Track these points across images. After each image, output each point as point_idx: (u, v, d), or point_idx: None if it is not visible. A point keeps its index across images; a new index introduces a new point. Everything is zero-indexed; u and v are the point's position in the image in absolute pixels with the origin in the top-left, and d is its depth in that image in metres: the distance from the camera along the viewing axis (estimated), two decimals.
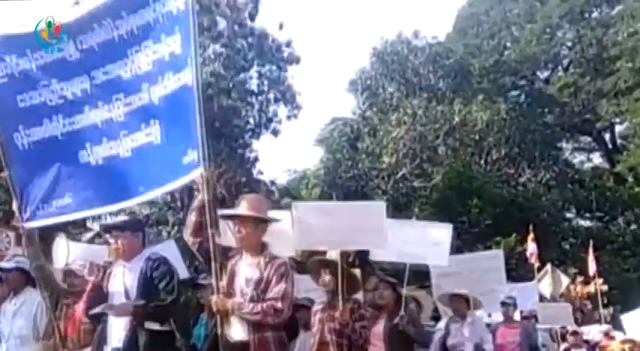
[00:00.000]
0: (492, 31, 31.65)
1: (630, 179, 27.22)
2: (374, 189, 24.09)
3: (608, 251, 22.77)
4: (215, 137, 21.60)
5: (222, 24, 21.40)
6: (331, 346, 5.65)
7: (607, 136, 31.59)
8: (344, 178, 24.39)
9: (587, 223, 27.62)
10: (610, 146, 31.31)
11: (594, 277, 16.21)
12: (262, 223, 4.63)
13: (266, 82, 22.46)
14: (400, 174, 24.30)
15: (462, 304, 7.46)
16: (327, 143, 27.62)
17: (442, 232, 7.39)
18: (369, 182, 24.38)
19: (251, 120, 22.33)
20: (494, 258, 8.45)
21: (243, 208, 4.64)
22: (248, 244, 4.58)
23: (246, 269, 4.52)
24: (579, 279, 17.57)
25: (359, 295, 6.20)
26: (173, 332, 4.85)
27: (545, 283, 14.75)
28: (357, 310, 5.76)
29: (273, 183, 23.64)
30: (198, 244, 4.55)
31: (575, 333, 10.71)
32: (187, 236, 4.68)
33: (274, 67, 22.49)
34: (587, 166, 31.35)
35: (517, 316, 10.45)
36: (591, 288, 16.50)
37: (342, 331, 5.64)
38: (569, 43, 30.94)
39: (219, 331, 4.41)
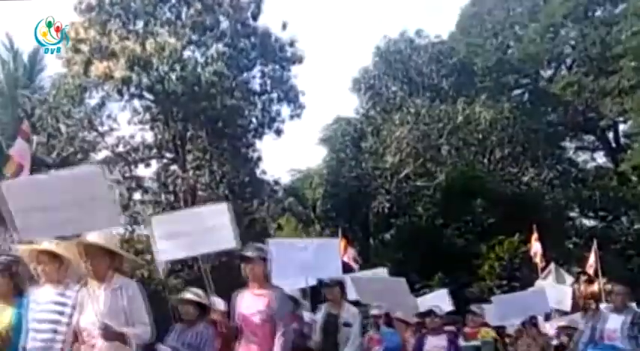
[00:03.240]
0: (495, 30, 31.61)
1: (634, 178, 27.12)
2: (377, 188, 24.09)
3: (612, 250, 22.68)
4: (218, 137, 21.64)
5: (224, 23, 21.39)
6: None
7: (610, 135, 31.49)
8: (347, 178, 24.40)
9: (590, 223, 27.52)
10: (613, 145, 31.20)
11: (597, 277, 16.16)
12: None
13: (269, 82, 22.44)
14: (403, 173, 24.30)
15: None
16: (330, 143, 27.64)
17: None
18: (373, 182, 24.38)
19: (254, 119, 22.31)
20: (220, 213, 6.93)
21: None
22: None
23: None
24: (583, 278, 17.50)
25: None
26: None
27: (548, 282, 14.70)
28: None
29: (276, 182, 23.66)
30: None
31: (431, 314, 8.51)
32: None
33: (277, 67, 22.47)
34: (591, 165, 31.26)
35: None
36: (595, 287, 16.44)
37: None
38: (573, 42, 30.85)
39: None
